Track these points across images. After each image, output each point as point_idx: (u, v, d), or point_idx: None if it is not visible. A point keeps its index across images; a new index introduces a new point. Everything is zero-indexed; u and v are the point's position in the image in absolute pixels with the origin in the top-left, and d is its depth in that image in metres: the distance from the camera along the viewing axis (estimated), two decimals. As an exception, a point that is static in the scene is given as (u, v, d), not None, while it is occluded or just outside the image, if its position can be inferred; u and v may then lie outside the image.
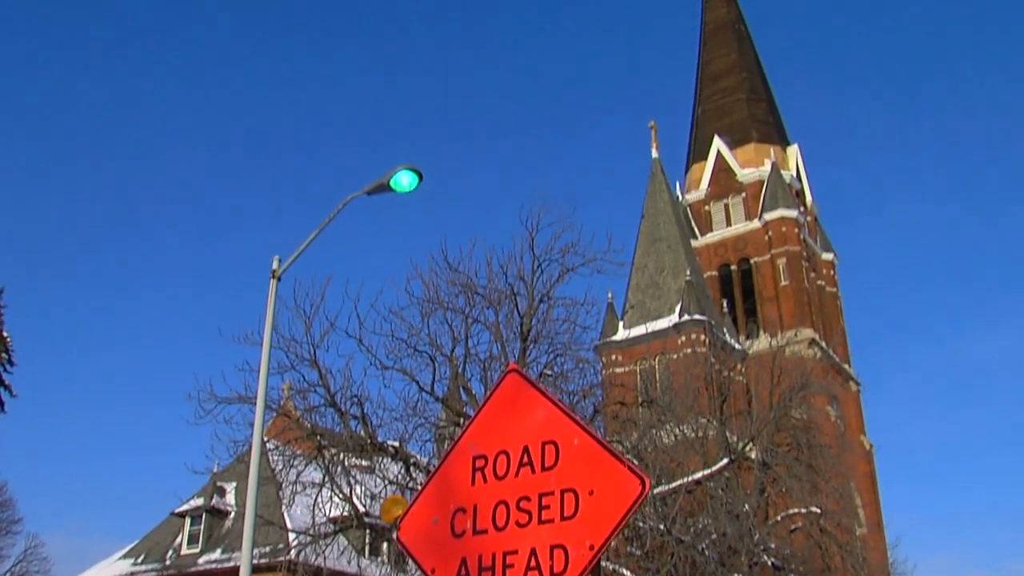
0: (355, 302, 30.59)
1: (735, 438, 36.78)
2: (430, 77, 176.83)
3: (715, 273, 73.81)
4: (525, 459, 5.19)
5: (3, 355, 43.21)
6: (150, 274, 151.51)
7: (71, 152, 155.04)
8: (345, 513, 30.78)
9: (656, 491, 30.52)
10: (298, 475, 28.92)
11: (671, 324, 59.97)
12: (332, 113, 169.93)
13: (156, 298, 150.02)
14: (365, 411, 28.91)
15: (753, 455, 36.03)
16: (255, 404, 18.00)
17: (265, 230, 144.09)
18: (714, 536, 32.75)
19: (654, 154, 72.46)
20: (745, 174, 76.61)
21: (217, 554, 41.45)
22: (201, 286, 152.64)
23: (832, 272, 77.51)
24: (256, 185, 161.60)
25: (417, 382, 29.33)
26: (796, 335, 64.33)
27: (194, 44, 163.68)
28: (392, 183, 15.85)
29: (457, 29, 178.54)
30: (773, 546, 35.33)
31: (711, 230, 76.44)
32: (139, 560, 43.85)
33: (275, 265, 16.92)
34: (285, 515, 34.93)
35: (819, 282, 75.22)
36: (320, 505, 28.90)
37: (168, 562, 42.59)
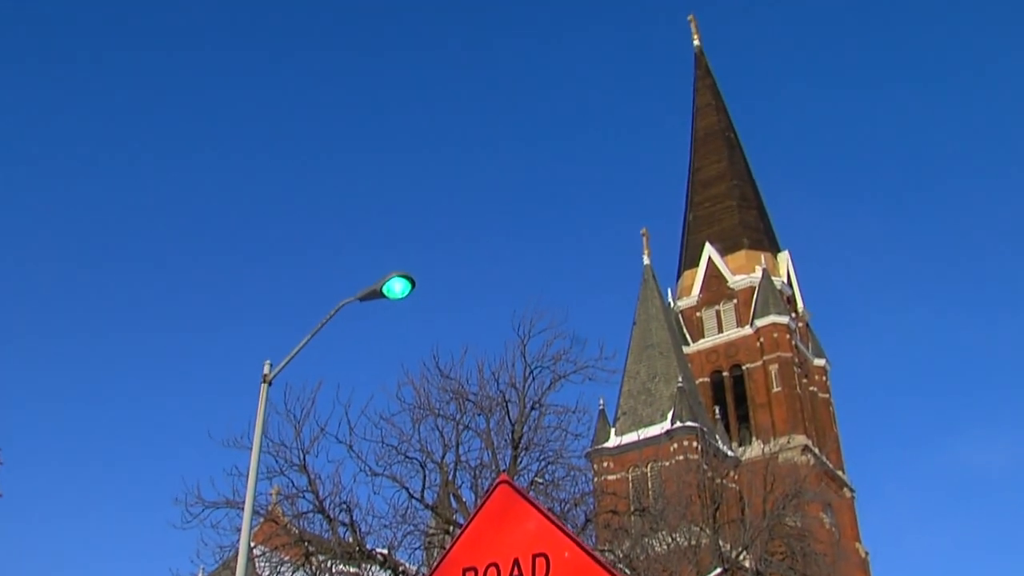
0: (346, 408, 30.68)
1: (728, 546, 36.47)
2: (423, 183, 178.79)
3: (707, 379, 73.70)
4: (515, 572, 5.14)
5: (-11, 457, 42.79)
6: (139, 375, 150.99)
7: (60, 249, 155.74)
8: (332, 622, 30.25)
9: (649, 601, 30.12)
10: (285, 582, 28.52)
11: (663, 431, 59.69)
12: (323, 217, 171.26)
13: (145, 400, 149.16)
14: (354, 518, 28.70)
15: (747, 564, 35.69)
16: (243, 509, 17.83)
17: (256, 332, 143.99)
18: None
19: (646, 261, 72.95)
20: (736, 281, 77.02)
21: (201, 664, 40.53)
22: (191, 389, 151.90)
23: (824, 378, 77.44)
24: (248, 289, 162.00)
25: (407, 489, 29.19)
26: (789, 442, 64.13)
27: (188, 144, 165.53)
28: (385, 290, 15.94)
29: (450, 135, 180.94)
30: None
31: (703, 336, 76.54)
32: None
33: (266, 370, 16.91)
34: (271, 624, 34.27)
35: (811, 388, 75.10)
36: (307, 613, 28.45)
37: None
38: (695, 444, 57.32)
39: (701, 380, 72.65)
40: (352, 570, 29.19)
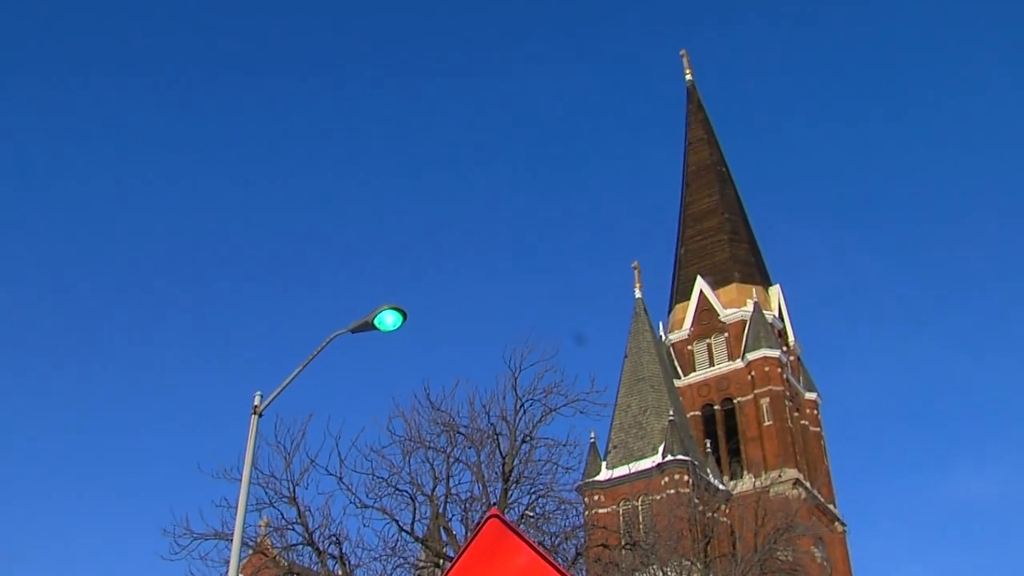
0: (336, 440, 30.67)
1: (719, 582, 36.29)
2: (416, 214, 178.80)
3: (698, 413, 73.57)
4: (505, 607, 5.13)
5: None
6: (128, 405, 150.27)
7: (49, 275, 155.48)
8: (321, 657, 30.04)
9: (639, 636, 29.99)
10: (273, 616, 28.38)
11: (654, 464, 59.59)
12: (315, 249, 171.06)
13: (134, 430, 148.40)
14: (343, 550, 28.63)
15: (738, 599, 35.51)
16: (231, 541, 17.76)
17: (247, 363, 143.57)
18: None
19: (637, 294, 73.15)
20: (728, 314, 77.07)
21: None
22: (180, 419, 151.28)
23: (815, 412, 77.34)
24: (238, 320, 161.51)
25: (397, 521, 29.11)
26: (780, 475, 63.98)
27: (181, 171, 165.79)
28: (376, 322, 15.96)
29: (444, 167, 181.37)
30: None
31: (694, 370, 76.49)
32: None
33: (257, 401, 16.89)
34: (259, 658, 33.99)
35: (803, 422, 74.97)
36: (296, 648, 28.29)
37: None
38: (686, 478, 57.22)
39: (692, 414, 72.54)
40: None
